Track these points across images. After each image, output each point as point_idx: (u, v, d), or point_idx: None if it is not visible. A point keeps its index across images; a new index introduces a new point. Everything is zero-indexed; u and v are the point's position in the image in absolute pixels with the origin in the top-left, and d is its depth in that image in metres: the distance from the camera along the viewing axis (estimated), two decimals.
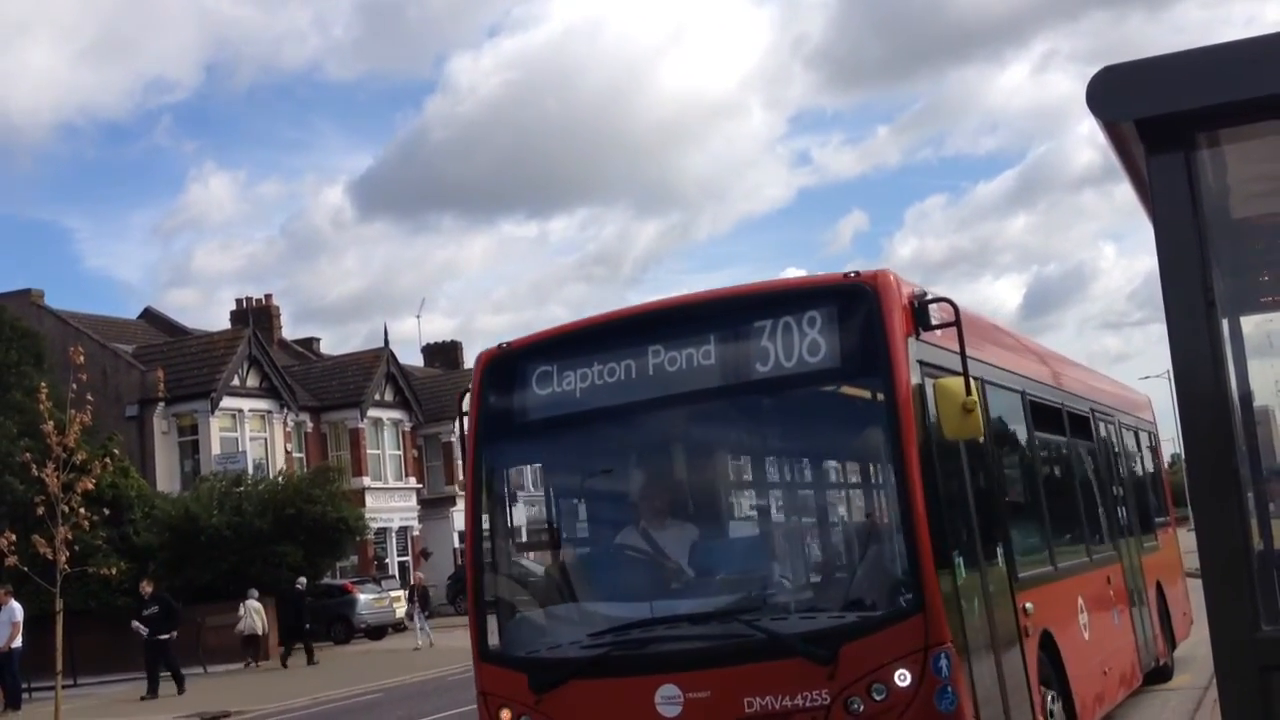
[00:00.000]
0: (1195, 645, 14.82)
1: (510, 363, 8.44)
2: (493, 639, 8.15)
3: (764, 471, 9.22)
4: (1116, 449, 14.43)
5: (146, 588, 27.76)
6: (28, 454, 20.17)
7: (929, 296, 7.57)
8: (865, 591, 7.64)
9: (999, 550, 8.46)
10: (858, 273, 7.48)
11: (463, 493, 14.98)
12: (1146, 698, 13.34)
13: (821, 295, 7.63)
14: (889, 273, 7.49)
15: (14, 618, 23.96)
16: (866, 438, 7.92)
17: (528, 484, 9.40)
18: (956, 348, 7.41)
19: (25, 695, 25.43)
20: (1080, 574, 10.78)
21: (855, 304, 7.37)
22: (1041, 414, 10.92)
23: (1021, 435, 10.48)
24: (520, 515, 8.91)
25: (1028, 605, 8.51)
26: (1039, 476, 10.69)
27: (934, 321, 7.51)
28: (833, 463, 9.30)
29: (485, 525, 8.40)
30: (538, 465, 9.18)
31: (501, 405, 8.43)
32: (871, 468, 8.39)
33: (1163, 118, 3.78)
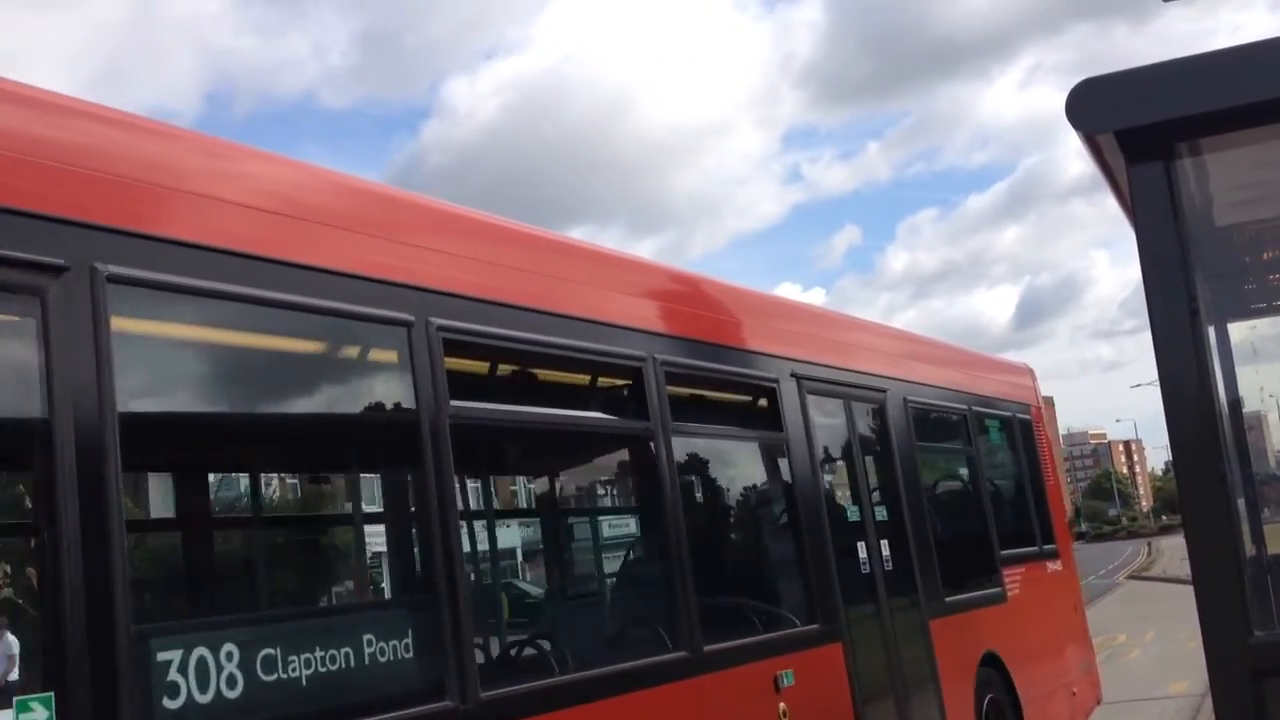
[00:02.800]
0: (1194, 653, 14.84)
1: None
2: None
3: None
4: (889, 447, 8.73)
5: None
6: (20, 485, 20.08)
7: None
8: None
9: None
10: None
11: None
12: (1144, 706, 13.35)
13: None
14: None
15: (10, 651, 23.84)
16: None
17: None
18: None
19: None
20: (591, 700, 5.25)
21: None
22: (566, 382, 6.13)
23: (485, 418, 5.25)
24: None
25: None
26: (549, 537, 6.10)
27: None
28: None
29: None
30: None
31: None
32: None
33: (1142, 129, 3.81)
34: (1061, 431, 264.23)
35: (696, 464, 7.44)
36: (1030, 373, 12.46)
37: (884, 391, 8.81)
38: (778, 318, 8.12)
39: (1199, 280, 4.01)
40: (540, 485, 6.40)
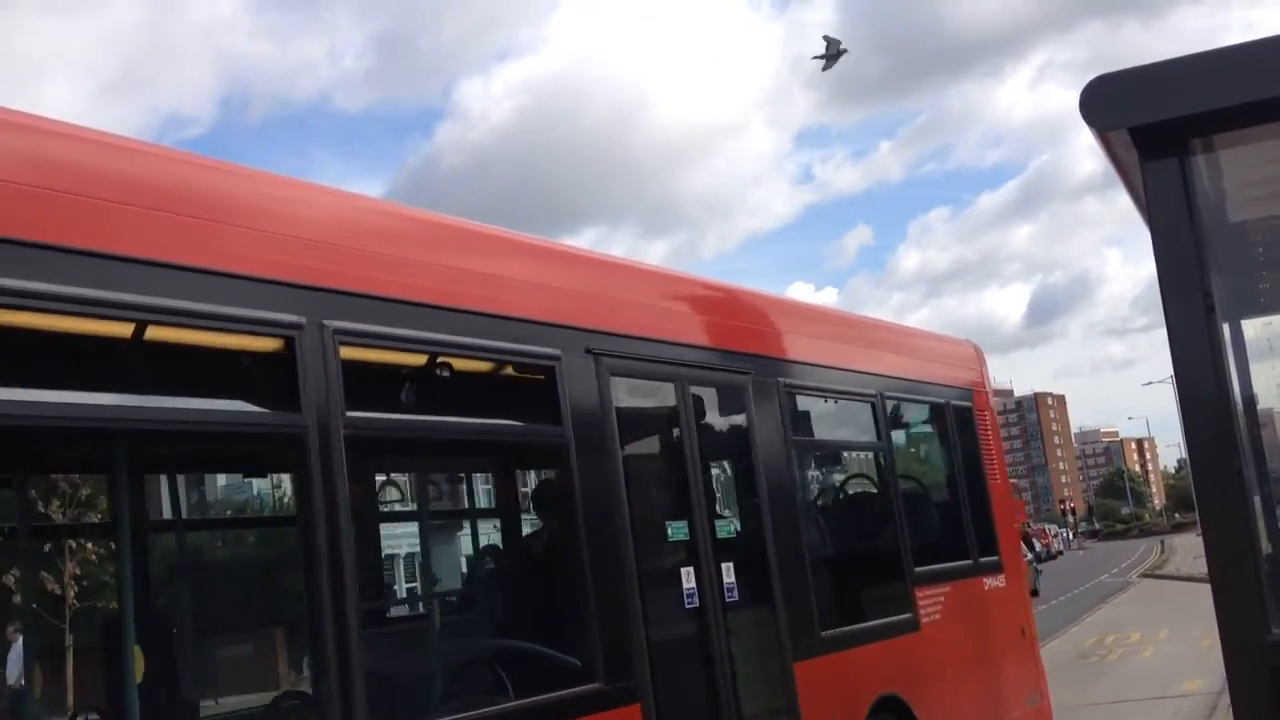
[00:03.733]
0: (1208, 651, 14.79)
1: None
2: None
3: None
4: (749, 444, 7.00)
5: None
6: (33, 490, 20.17)
7: None
8: None
9: None
10: None
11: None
12: (1159, 705, 13.32)
13: None
14: None
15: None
16: None
17: None
18: None
19: None
20: None
21: None
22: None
23: None
24: None
25: None
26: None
27: None
28: None
29: None
30: None
31: None
32: None
33: (1156, 125, 3.79)
34: (1074, 429, 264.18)
35: (394, 469, 5.90)
36: (974, 350, 10.42)
37: (745, 374, 7.03)
38: (565, 274, 6.07)
39: (1214, 277, 3.99)
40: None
